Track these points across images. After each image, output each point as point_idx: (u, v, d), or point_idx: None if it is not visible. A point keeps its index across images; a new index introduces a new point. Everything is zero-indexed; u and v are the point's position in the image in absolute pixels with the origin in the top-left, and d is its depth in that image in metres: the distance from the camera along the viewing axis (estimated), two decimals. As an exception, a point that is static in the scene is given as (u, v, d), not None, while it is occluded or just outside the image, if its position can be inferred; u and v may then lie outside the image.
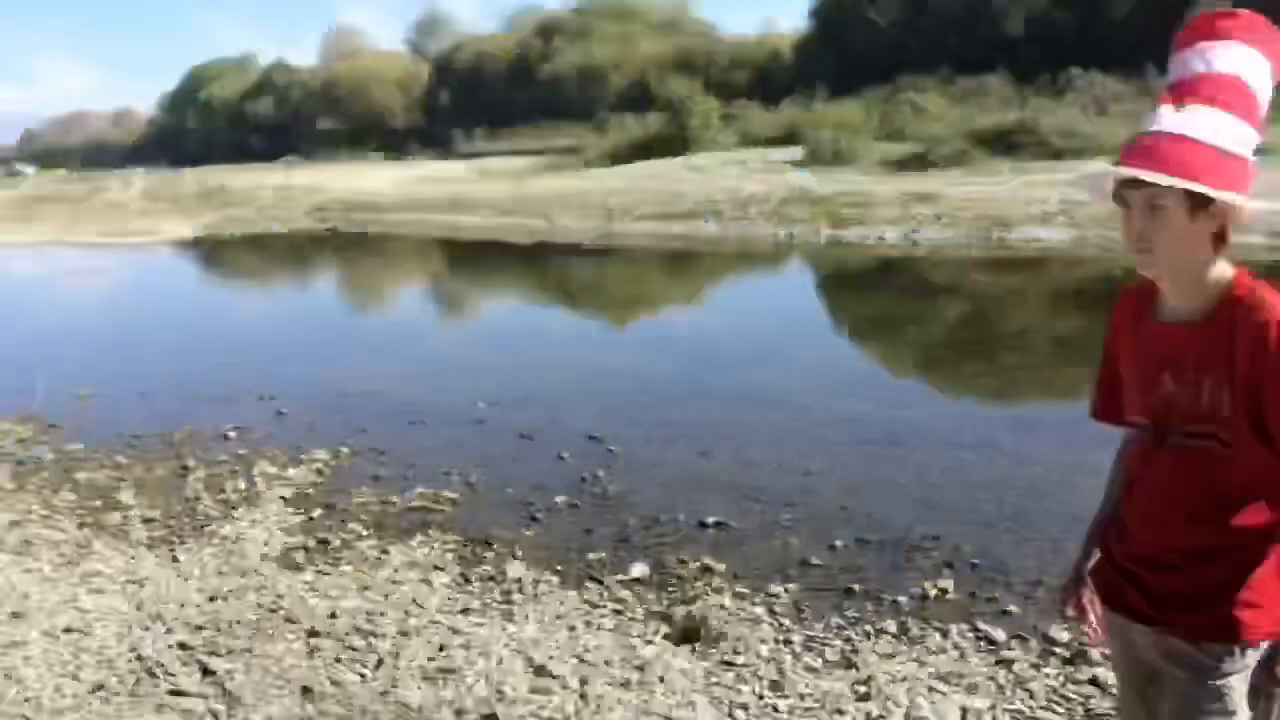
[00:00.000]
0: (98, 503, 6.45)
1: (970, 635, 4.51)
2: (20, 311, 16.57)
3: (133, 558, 5.41)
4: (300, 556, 5.49)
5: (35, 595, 4.81)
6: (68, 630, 4.43)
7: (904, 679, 4.11)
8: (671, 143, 35.37)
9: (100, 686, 3.96)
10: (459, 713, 3.85)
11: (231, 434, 7.95)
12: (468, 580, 5.17)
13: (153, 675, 4.05)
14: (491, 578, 5.21)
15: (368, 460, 7.29)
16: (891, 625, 4.62)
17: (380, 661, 4.25)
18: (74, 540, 5.69)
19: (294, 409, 8.72)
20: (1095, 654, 4.25)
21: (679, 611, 4.79)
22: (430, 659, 4.29)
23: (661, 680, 4.11)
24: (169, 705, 3.83)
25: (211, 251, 26.30)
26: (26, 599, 4.74)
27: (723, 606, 4.86)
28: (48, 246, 26.58)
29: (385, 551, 5.56)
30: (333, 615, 4.66)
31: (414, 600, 4.86)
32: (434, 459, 7.24)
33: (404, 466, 7.11)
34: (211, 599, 4.82)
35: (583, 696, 3.99)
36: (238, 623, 4.55)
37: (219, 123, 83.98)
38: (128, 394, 9.47)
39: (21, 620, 4.50)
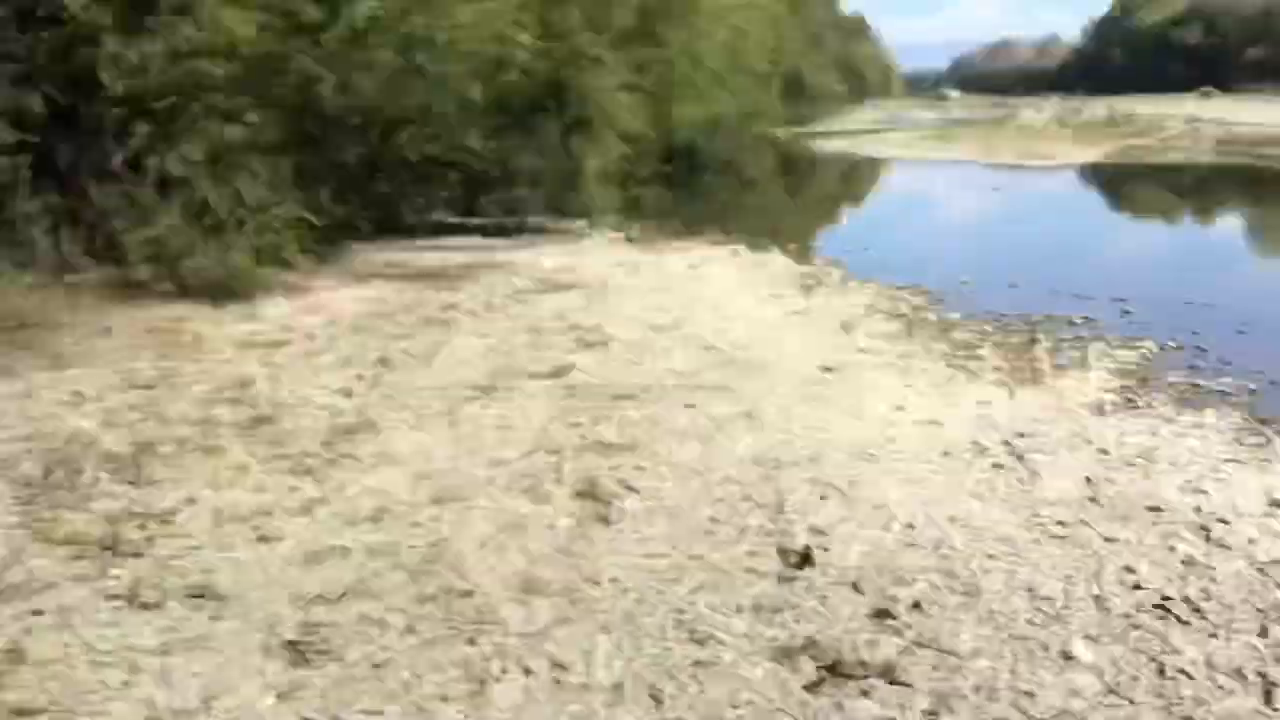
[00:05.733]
0: (962, 352, 8.75)
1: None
2: (932, 216, 22.12)
3: (981, 392, 7.53)
4: (1109, 407, 7.19)
5: (912, 401, 7.21)
6: (932, 422, 6.72)
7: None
8: None
9: (947, 453, 6.14)
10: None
11: (1078, 321, 10.06)
12: (1241, 440, 6.48)
13: (983, 452, 6.15)
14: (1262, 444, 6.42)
15: (1189, 354, 8.84)
16: None
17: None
18: (941, 374, 8.04)
19: (1139, 310, 10.59)
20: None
21: None
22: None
23: None
24: (985, 471, 5.88)
25: (1106, 177, 28.65)
26: (903, 405, 7.12)
27: None
28: (963, 164, 31.09)
29: (1178, 415, 7.01)
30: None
31: (1189, 448, 6.30)
32: (1249, 360, 8.52)
33: (1219, 362, 8.55)
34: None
35: None
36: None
37: (1143, 50, 78.86)
38: (1000, 284, 12.06)
39: (901, 412, 6.94)
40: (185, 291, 11.23)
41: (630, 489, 5.49)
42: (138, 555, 4.83)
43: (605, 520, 5.11)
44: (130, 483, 5.74)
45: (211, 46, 11.93)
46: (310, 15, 11.82)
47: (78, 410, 7.14)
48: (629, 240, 15.94)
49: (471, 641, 4.00)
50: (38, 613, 4.28)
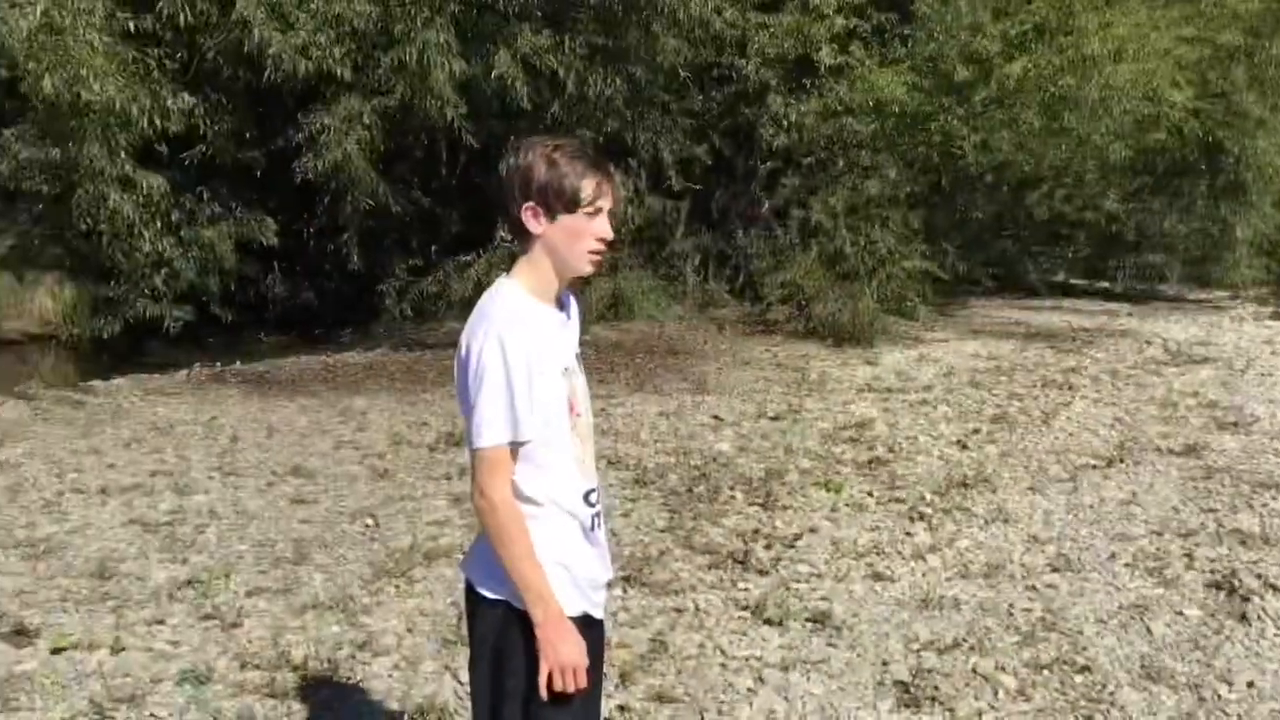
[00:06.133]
0: None
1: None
2: None
3: None
4: None
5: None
6: None
7: None
8: None
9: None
10: None
11: None
12: None
13: None
14: None
15: None
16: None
17: None
18: None
19: None
20: None
21: None
22: None
23: None
24: None
25: None
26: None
27: None
28: None
29: None
30: None
31: None
32: None
33: None
34: None
35: None
36: None
37: None
38: None
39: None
40: (813, 333, 11.92)
41: (1274, 588, 4.98)
42: (764, 573, 5.21)
43: (1243, 618, 4.68)
44: (760, 505, 6.20)
45: (861, 106, 12.56)
46: (962, 75, 12.03)
47: (717, 433, 7.85)
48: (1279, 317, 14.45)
49: (1088, 719, 3.86)
50: (679, 610, 4.76)
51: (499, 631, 2.39)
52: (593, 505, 2.43)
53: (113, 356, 11.78)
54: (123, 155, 10.22)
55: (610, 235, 2.37)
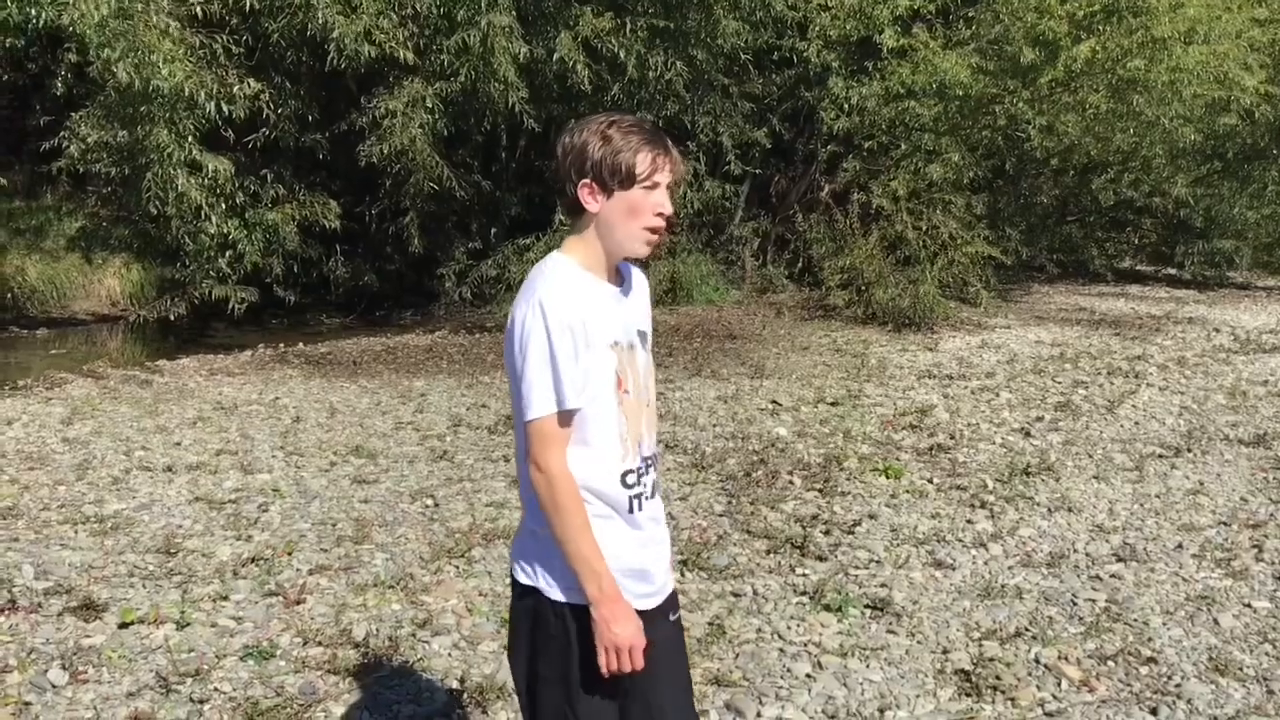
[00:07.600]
0: None
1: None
2: None
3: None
4: None
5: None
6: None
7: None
8: None
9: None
10: None
11: None
12: None
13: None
14: None
15: None
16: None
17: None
18: None
19: None
20: None
21: None
22: None
23: None
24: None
25: None
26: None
27: None
28: None
29: None
30: None
31: None
32: None
33: None
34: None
35: None
36: None
37: None
38: None
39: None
40: (872, 318, 11.82)
41: (1348, 583, 4.87)
42: (822, 559, 5.18)
43: (1315, 612, 4.58)
44: (819, 490, 6.17)
45: (924, 88, 12.40)
46: (1028, 58, 11.81)
47: (775, 418, 7.81)
48: (1354, 305, 14.09)
49: (1153, 711, 3.78)
50: (737, 595, 4.75)
51: (532, 618, 2.37)
52: (631, 487, 2.35)
53: (178, 337, 11.97)
54: (190, 139, 10.35)
55: (669, 210, 2.31)
